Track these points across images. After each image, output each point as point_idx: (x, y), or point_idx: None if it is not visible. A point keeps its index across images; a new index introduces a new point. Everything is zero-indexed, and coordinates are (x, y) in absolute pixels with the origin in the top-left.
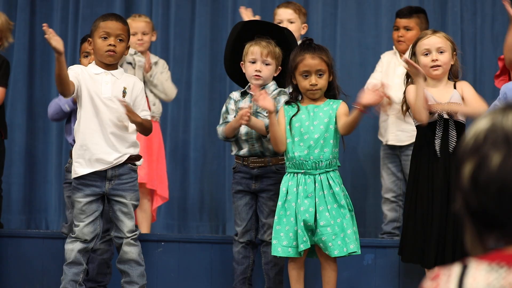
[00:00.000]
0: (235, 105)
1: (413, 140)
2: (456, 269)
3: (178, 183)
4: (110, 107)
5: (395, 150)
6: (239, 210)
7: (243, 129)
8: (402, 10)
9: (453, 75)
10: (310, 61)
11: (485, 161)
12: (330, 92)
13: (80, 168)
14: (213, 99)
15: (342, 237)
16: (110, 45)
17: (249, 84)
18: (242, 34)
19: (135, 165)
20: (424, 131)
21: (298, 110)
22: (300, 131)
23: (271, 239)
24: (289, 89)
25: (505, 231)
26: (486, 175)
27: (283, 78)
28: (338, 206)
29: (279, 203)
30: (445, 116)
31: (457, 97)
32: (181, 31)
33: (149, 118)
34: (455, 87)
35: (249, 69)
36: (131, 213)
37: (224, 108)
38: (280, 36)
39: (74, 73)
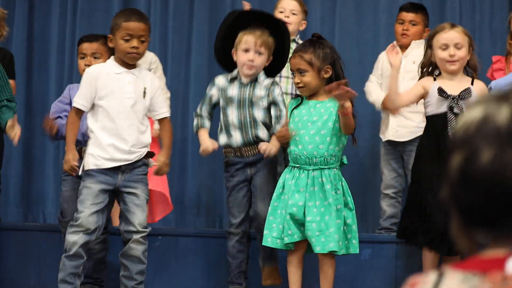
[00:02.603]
0: (222, 92)
1: (414, 136)
2: (432, 277)
3: (176, 177)
4: (132, 107)
5: (397, 147)
6: (238, 202)
7: (236, 117)
8: (407, 5)
9: (472, 70)
10: (292, 59)
11: (475, 155)
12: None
13: (98, 161)
14: None
15: (326, 235)
16: (133, 47)
17: (237, 69)
18: (236, 22)
19: (148, 160)
20: (434, 123)
21: (300, 103)
22: (298, 125)
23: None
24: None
25: (491, 230)
26: (475, 170)
27: (273, 67)
28: (328, 204)
29: (274, 194)
30: (456, 110)
31: (473, 93)
32: (180, 27)
33: (167, 114)
34: (472, 83)
35: (241, 58)
36: (144, 205)
37: (206, 95)
38: (274, 27)
39: (89, 87)
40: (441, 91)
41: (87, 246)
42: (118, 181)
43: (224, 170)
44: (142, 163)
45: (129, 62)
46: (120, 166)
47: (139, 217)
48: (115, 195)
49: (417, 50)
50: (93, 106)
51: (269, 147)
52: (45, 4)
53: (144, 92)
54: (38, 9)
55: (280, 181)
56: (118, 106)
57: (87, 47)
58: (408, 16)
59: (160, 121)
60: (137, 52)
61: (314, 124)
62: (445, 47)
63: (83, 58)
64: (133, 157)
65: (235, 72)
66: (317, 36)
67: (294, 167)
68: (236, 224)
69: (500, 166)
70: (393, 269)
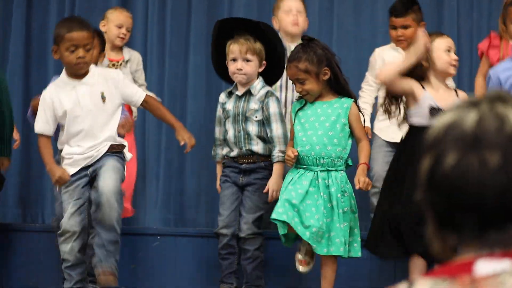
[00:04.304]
0: (222, 107)
1: None
2: (402, 287)
3: (175, 176)
4: (93, 119)
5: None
6: (224, 200)
7: (232, 132)
8: (396, 8)
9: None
10: (288, 71)
11: (441, 159)
12: (332, 89)
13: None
14: (209, 93)
15: (327, 237)
16: (79, 57)
17: (235, 83)
18: (223, 33)
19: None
20: (422, 134)
21: (305, 104)
22: (304, 126)
23: (248, 235)
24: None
25: (459, 235)
26: (439, 174)
27: (271, 73)
28: (332, 207)
29: (282, 188)
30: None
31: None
32: (178, 25)
33: (144, 94)
34: (457, 94)
35: (231, 68)
36: (115, 170)
37: (217, 116)
38: (259, 31)
39: (48, 111)
40: (432, 110)
41: (84, 250)
42: (90, 171)
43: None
44: (110, 154)
45: (78, 73)
46: (88, 166)
47: (107, 180)
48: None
49: None
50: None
51: (272, 189)
52: (43, 2)
53: (103, 97)
54: (37, 7)
55: (285, 183)
56: (77, 119)
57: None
58: (398, 21)
59: (144, 104)
60: (84, 61)
61: (322, 125)
62: (449, 49)
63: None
64: (96, 154)
65: (233, 86)
66: (307, 39)
67: (300, 167)
68: (223, 226)
69: (462, 171)
70: (392, 269)
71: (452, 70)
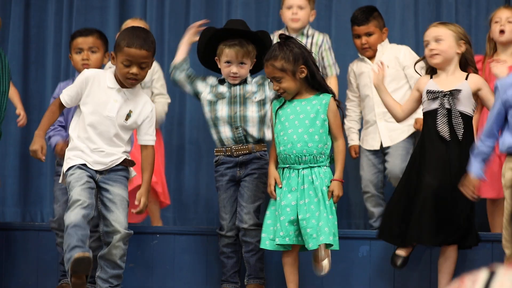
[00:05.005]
0: (212, 89)
1: (406, 134)
2: (482, 275)
3: (174, 175)
4: (109, 125)
5: (378, 152)
6: (224, 203)
7: (226, 112)
8: (358, 17)
9: (470, 64)
10: (265, 69)
11: None
12: (312, 86)
13: (75, 161)
14: None
15: (317, 230)
16: (132, 73)
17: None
18: (215, 36)
19: (129, 169)
20: (426, 119)
21: (284, 103)
22: (285, 125)
23: (250, 225)
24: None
25: None
26: None
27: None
28: (318, 200)
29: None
30: (446, 106)
31: (466, 89)
32: (176, 24)
33: (152, 143)
34: (467, 78)
35: (225, 70)
36: (123, 206)
37: (201, 80)
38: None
39: (79, 87)
40: (428, 92)
41: (89, 221)
42: (98, 177)
43: (214, 169)
44: (121, 167)
45: (127, 86)
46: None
47: (115, 214)
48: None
49: (387, 53)
50: (79, 111)
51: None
52: (41, 1)
53: (128, 115)
54: (34, 7)
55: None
56: (97, 119)
57: (82, 41)
58: (361, 29)
59: (143, 148)
60: (135, 78)
61: (302, 122)
62: (427, 43)
63: (79, 53)
64: (109, 161)
65: (222, 76)
66: (284, 37)
67: (284, 168)
68: (226, 228)
69: None
70: (390, 265)
71: (431, 60)
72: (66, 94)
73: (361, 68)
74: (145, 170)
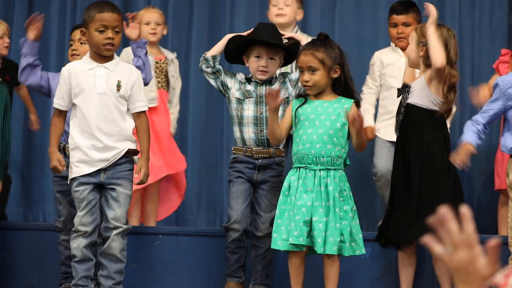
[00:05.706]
0: (241, 85)
1: None
2: None
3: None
4: (105, 101)
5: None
6: (238, 194)
7: (252, 112)
8: (397, 7)
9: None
10: (302, 57)
11: None
12: (337, 89)
13: (79, 169)
14: (211, 92)
15: (327, 236)
16: (108, 38)
17: (250, 75)
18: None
19: (133, 158)
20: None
21: (305, 102)
22: (304, 124)
23: (266, 234)
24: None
25: None
26: None
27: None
28: (328, 206)
29: (281, 197)
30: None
31: (421, 81)
32: (179, 24)
33: (145, 108)
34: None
35: (254, 65)
36: (123, 201)
37: (230, 76)
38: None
39: (64, 86)
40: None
41: (93, 248)
42: (101, 179)
43: (229, 166)
44: (125, 160)
45: (104, 55)
46: (100, 169)
47: (115, 211)
48: (101, 190)
49: None
50: (74, 107)
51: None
52: (44, 0)
53: (118, 85)
54: (38, 5)
55: (286, 183)
56: (90, 101)
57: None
58: (400, 18)
59: (136, 117)
60: (112, 43)
61: (322, 123)
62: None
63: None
64: (111, 156)
65: (250, 75)
66: (325, 36)
67: (300, 167)
68: (234, 221)
69: None
70: (393, 267)
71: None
72: (57, 99)
73: (391, 59)
74: (142, 139)
